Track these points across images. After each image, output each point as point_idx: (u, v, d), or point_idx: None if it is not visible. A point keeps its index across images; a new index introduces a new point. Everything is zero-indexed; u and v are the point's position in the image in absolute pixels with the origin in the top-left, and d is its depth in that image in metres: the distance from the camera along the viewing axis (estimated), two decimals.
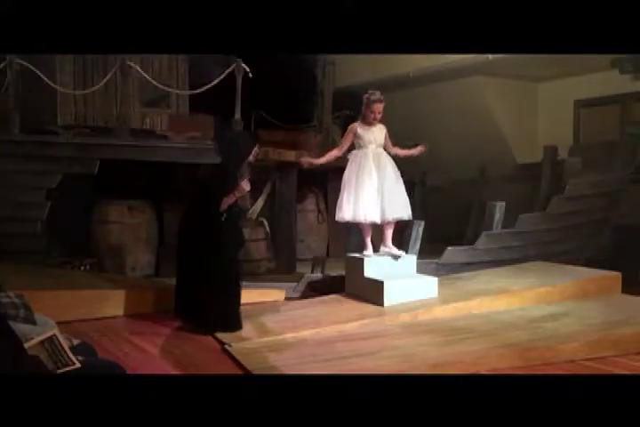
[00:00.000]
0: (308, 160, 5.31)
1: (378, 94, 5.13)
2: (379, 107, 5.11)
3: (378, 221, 5.10)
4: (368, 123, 5.17)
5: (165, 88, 6.78)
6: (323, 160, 5.26)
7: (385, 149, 5.28)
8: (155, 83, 6.56)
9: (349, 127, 5.25)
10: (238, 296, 4.50)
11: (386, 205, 5.05)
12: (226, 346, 4.01)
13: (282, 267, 7.13)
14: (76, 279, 5.59)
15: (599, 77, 7.38)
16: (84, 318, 4.75)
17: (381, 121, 5.26)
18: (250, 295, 5.14)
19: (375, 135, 5.19)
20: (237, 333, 4.27)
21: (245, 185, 4.47)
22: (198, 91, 6.71)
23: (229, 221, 4.50)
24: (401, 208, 5.12)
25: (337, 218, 5.21)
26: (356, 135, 5.18)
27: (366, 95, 5.17)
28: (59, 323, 2.62)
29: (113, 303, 4.97)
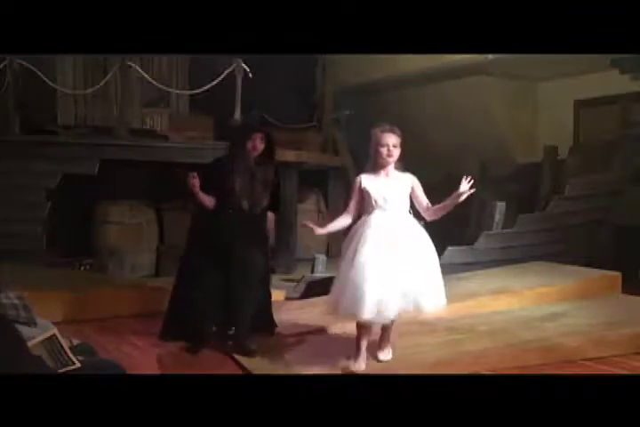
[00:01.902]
0: (310, 226, 3.50)
1: (388, 126, 3.48)
2: (391, 138, 3.42)
3: (371, 318, 3.37)
4: (380, 167, 3.48)
5: (165, 88, 6.78)
6: (328, 230, 3.60)
7: (414, 211, 3.58)
8: (155, 83, 6.56)
9: (355, 180, 3.57)
10: (176, 305, 4.07)
11: (390, 298, 3.33)
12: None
13: (282, 267, 7.15)
14: (76, 280, 5.59)
15: (599, 77, 7.38)
16: (84, 318, 4.75)
17: (404, 165, 3.55)
18: None
19: (391, 190, 3.47)
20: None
21: (191, 177, 3.78)
22: (198, 91, 6.72)
23: (196, 219, 4.20)
24: (409, 301, 3.40)
25: (326, 311, 3.72)
26: (363, 191, 3.50)
27: (373, 130, 3.50)
28: (59, 323, 2.63)
29: (113, 304, 4.97)
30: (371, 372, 3.40)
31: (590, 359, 3.77)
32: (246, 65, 6.39)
